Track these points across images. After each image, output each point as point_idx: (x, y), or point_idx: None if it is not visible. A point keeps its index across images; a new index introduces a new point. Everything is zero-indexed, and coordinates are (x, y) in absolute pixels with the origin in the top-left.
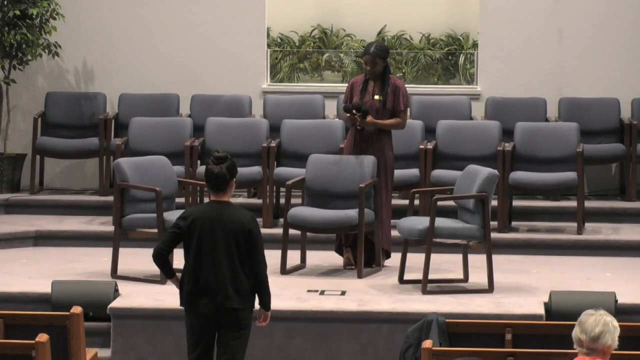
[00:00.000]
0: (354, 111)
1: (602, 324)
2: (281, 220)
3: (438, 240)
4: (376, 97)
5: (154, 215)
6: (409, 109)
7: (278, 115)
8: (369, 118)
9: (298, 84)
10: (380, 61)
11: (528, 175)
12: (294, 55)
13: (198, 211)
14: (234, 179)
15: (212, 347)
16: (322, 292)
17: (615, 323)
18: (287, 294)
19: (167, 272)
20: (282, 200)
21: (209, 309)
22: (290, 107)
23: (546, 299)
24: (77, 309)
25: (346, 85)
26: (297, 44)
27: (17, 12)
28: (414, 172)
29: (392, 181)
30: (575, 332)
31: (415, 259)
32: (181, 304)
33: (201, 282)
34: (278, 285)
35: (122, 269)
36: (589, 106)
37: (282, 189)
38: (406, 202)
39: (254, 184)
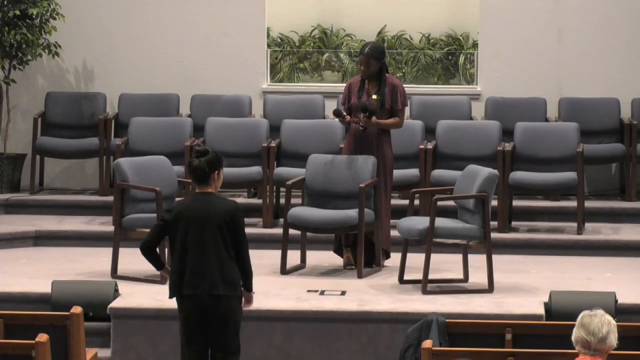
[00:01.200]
0: (342, 114)
1: (607, 324)
2: (281, 220)
3: (438, 240)
4: (374, 96)
5: (154, 215)
6: (407, 108)
7: (278, 115)
8: (373, 118)
9: (298, 84)
10: (374, 62)
11: (528, 175)
12: (294, 55)
13: (183, 204)
14: (217, 172)
15: (204, 336)
16: (322, 292)
17: (614, 322)
18: (287, 294)
19: (156, 264)
20: (282, 200)
21: (196, 298)
22: (290, 107)
23: (546, 299)
24: (77, 309)
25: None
26: (297, 44)
27: (17, 12)
28: (414, 172)
29: (392, 181)
30: (580, 334)
31: (415, 259)
32: (170, 296)
33: (188, 271)
34: (278, 285)
35: (122, 269)
36: (589, 106)
37: (282, 189)
38: (406, 202)
39: (254, 184)
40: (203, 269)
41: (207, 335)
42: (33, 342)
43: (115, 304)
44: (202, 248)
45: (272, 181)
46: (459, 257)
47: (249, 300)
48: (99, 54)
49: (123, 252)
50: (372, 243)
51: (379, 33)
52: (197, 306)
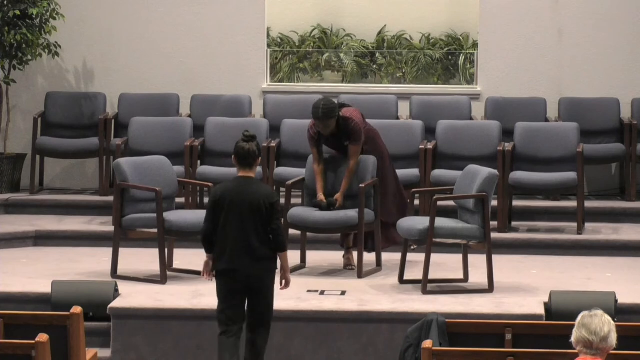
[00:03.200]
0: (334, 203)
1: (607, 323)
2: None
3: (438, 240)
4: (346, 144)
5: (154, 215)
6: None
7: (278, 115)
8: (339, 197)
9: (298, 84)
10: (332, 121)
11: (528, 175)
12: (294, 55)
13: (226, 187)
14: (260, 157)
15: (242, 309)
16: (322, 292)
17: (613, 322)
18: (287, 294)
19: (208, 249)
20: (282, 201)
21: (233, 272)
22: (290, 107)
23: (546, 299)
24: (77, 309)
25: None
26: (297, 44)
27: (17, 12)
28: (414, 172)
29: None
30: (581, 334)
31: (415, 259)
32: (212, 269)
33: (228, 248)
34: (278, 285)
35: (122, 269)
36: (589, 106)
37: (282, 189)
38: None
39: None
40: (241, 246)
41: (243, 307)
42: (33, 342)
43: (115, 304)
44: (242, 228)
45: (272, 181)
46: (459, 257)
47: (286, 279)
48: (99, 54)
49: (123, 252)
50: (373, 233)
51: (379, 33)
52: (234, 280)
